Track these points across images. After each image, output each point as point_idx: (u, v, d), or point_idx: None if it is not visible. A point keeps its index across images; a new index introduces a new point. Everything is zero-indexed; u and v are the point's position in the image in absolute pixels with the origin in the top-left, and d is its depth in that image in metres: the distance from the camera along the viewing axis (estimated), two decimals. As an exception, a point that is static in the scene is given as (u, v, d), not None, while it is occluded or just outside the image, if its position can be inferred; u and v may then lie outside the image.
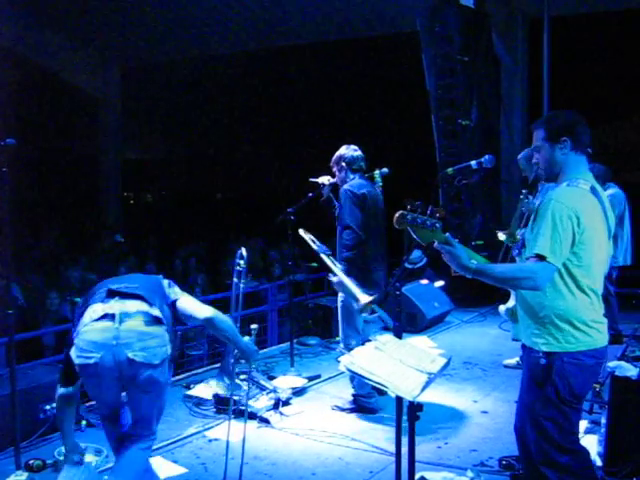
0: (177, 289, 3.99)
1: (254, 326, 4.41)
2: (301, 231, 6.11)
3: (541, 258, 3.07)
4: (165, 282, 3.97)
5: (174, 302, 3.87)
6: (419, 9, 10.56)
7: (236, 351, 4.18)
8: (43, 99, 15.21)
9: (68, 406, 3.87)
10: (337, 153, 5.82)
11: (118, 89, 18.41)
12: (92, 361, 3.50)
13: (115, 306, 3.63)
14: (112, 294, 3.71)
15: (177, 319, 3.89)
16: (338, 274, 5.47)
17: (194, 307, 3.91)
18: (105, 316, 3.59)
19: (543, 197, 5.93)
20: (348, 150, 5.78)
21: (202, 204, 21.80)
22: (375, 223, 5.72)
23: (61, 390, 3.82)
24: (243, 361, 4.12)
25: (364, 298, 5.19)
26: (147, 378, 3.57)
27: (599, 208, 3.24)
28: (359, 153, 5.80)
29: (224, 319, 3.95)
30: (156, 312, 3.66)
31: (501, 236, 5.95)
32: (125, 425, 3.81)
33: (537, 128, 3.37)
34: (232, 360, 5.40)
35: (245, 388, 5.58)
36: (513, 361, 6.91)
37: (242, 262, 5.48)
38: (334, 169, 5.86)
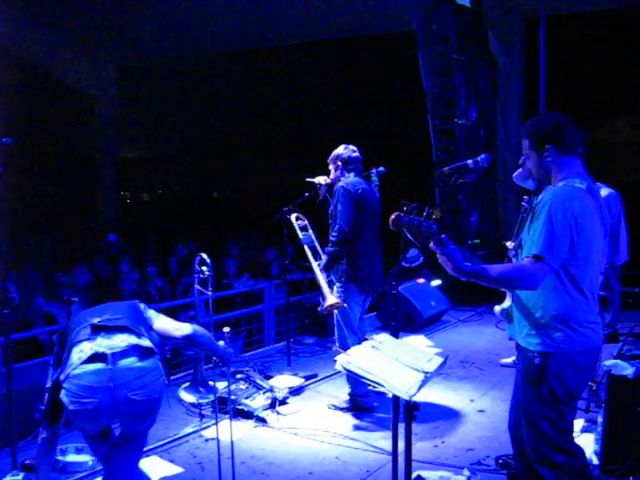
0: (152, 311, 3.89)
1: (226, 329, 4.40)
2: (293, 217, 6.13)
3: (537, 259, 3.07)
4: (141, 306, 3.86)
5: (150, 325, 3.77)
6: (415, 8, 10.56)
7: (213, 358, 4.14)
8: (39, 98, 15.17)
9: (51, 449, 3.74)
10: (335, 152, 5.81)
11: (114, 88, 18.37)
12: (90, 407, 3.37)
13: (103, 343, 3.46)
14: (97, 330, 3.53)
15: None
16: (314, 268, 5.48)
17: (171, 327, 3.82)
18: (95, 357, 3.41)
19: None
20: (346, 150, 5.77)
21: (198, 203, 21.77)
22: (371, 222, 5.72)
23: (46, 434, 3.65)
24: (221, 366, 4.09)
25: (331, 299, 5.23)
26: (148, 411, 3.51)
27: (595, 207, 3.24)
28: (357, 154, 5.78)
29: (202, 332, 3.90)
30: (146, 343, 3.54)
31: (510, 245, 5.96)
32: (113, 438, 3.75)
33: (523, 137, 3.39)
34: (203, 368, 5.34)
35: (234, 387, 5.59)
36: (510, 360, 6.92)
37: (205, 269, 5.39)
38: (330, 167, 5.86)
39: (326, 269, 5.50)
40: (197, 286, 5.58)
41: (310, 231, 5.94)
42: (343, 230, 5.49)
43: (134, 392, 3.38)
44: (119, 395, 3.37)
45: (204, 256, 5.40)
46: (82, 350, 3.46)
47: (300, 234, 5.90)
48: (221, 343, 4.10)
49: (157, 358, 3.55)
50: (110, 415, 3.48)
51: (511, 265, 3.40)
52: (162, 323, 3.82)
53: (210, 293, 5.33)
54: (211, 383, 5.27)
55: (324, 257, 5.62)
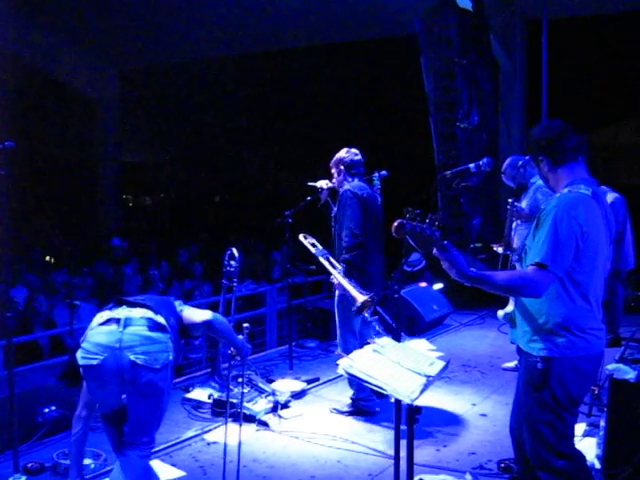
0: (186, 306, 4.08)
1: (246, 325, 4.44)
2: (301, 237, 6.09)
3: (541, 267, 3.06)
4: (176, 303, 4.06)
5: (181, 317, 3.95)
6: (417, 12, 10.57)
7: (231, 349, 4.24)
8: (41, 102, 15.21)
9: (82, 442, 4.00)
10: (337, 155, 5.78)
11: (116, 92, 18.40)
12: (95, 362, 3.59)
13: (122, 312, 3.74)
14: (120, 302, 3.83)
15: (186, 333, 3.97)
16: (336, 276, 5.47)
17: (194, 313, 4.01)
18: (110, 320, 3.70)
19: (533, 198, 5.96)
20: (348, 154, 5.74)
21: (200, 207, 21.79)
22: (374, 226, 5.72)
23: (85, 412, 3.93)
24: (237, 359, 4.20)
25: (361, 297, 5.21)
26: (147, 382, 3.61)
27: (600, 214, 3.23)
28: (359, 158, 5.76)
29: (222, 321, 4.09)
30: (160, 319, 3.74)
31: (498, 249, 5.96)
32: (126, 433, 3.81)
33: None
34: (225, 362, 5.41)
35: (235, 390, 5.60)
36: (512, 364, 6.91)
37: (233, 262, 5.51)
38: (332, 170, 5.84)
39: (347, 276, 5.46)
40: (226, 280, 5.77)
41: (319, 246, 5.93)
42: (355, 234, 5.46)
43: (136, 355, 3.56)
44: (123, 356, 3.57)
45: (234, 251, 5.60)
46: (102, 316, 3.77)
47: (312, 249, 5.88)
48: (240, 337, 4.22)
49: (167, 336, 3.72)
50: (113, 376, 3.61)
51: (515, 273, 3.40)
52: (189, 312, 4.01)
53: (236, 285, 5.46)
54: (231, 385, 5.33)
55: (338, 266, 5.57)
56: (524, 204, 6.08)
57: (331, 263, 5.62)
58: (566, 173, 3.27)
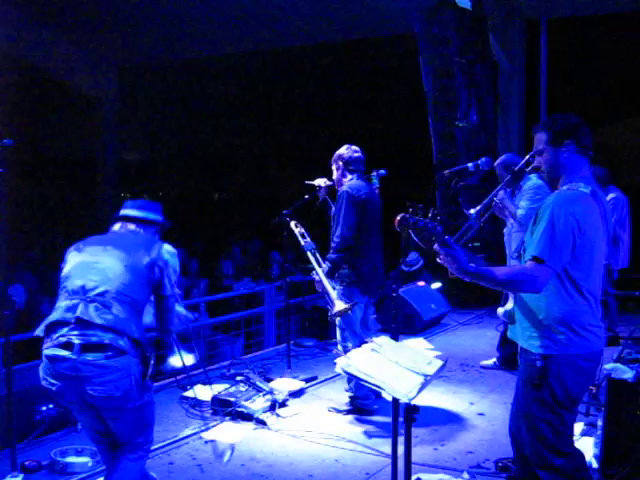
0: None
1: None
2: (292, 224, 6.10)
3: (539, 261, 3.07)
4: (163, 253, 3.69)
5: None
6: (417, 11, 10.56)
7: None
8: (39, 99, 15.19)
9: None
10: (337, 152, 5.76)
11: (115, 90, 18.38)
12: (54, 388, 3.45)
13: (78, 338, 3.38)
14: (80, 323, 3.41)
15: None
16: (319, 274, 5.47)
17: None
18: (66, 345, 3.39)
19: (522, 196, 5.93)
20: (348, 151, 5.72)
21: (199, 205, 21.78)
22: (374, 225, 5.72)
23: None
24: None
25: (339, 305, 5.22)
26: (110, 408, 3.47)
27: (599, 212, 3.24)
28: (359, 155, 5.73)
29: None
30: (121, 342, 3.42)
31: (473, 211, 5.95)
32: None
33: (539, 131, 3.36)
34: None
35: (233, 389, 5.62)
36: (490, 362, 6.94)
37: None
38: (333, 167, 5.82)
39: (329, 276, 5.46)
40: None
41: (308, 238, 5.92)
42: (344, 236, 5.42)
43: (92, 387, 3.37)
44: (79, 385, 3.38)
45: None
46: (56, 331, 3.45)
47: (302, 241, 5.89)
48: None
49: (130, 357, 3.44)
50: (76, 400, 3.47)
51: (514, 268, 3.40)
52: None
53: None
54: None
55: (325, 264, 5.57)
56: (521, 202, 6.03)
57: (317, 259, 5.63)
58: (578, 164, 3.28)
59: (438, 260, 3.15)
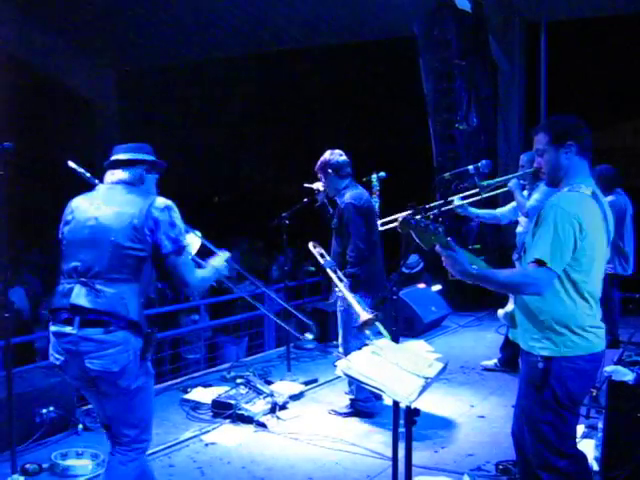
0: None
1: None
2: (310, 245, 6.04)
3: (541, 263, 3.06)
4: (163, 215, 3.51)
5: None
6: (416, 14, 10.58)
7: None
8: (37, 102, 15.18)
9: None
10: (321, 159, 5.68)
11: (113, 92, 18.39)
12: (58, 363, 3.50)
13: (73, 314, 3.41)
14: (75, 310, 3.41)
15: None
16: (342, 290, 5.42)
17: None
18: (67, 320, 3.42)
19: (537, 191, 5.94)
20: (333, 155, 5.63)
21: (199, 207, 21.77)
22: (374, 228, 5.74)
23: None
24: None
25: (365, 315, 5.18)
26: (106, 383, 3.44)
27: (600, 214, 3.24)
28: (344, 158, 5.65)
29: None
30: (119, 321, 3.40)
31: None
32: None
33: (540, 132, 3.35)
34: None
35: (234, 392, 5.62)
36: (491, 362, 6.94)
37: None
38: (319, 175, 5.74)
39: (352, 290, 5.43)
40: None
41: (327, 257, 5.88)
42: (360, 249, 5.42)
43: (90, 361, 3.37)
44: (78, 358, 3.39)
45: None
46: (58, 315, 3.47)
47: (321, 260, 5.85)
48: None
49: (129, 333, 3.41)
50: (79, 376, 3.48)
51: (517, 270, 3.39)
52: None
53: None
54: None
55: (344, 280, 5.53)
56: (534, 196, 6.02)
57: (338, 276, 5.58)
58: (580, 166, 3.28)
59: (444, 262, 3.15)
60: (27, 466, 4.49)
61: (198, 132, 19.92)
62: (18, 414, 4.53)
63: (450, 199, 5.94)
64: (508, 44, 11.99)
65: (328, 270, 5.66)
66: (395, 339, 3.55)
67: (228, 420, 5.47)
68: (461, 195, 6.20)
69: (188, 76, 18.21)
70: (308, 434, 5.28)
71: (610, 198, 7.00)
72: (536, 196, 5.96)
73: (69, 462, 4.58)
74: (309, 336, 5.92)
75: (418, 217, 3.10)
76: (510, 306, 3.50)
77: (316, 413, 5.79)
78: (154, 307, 7.55)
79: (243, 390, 5.80)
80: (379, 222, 6.53)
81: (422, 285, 9.39)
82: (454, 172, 5.87)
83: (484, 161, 6.01)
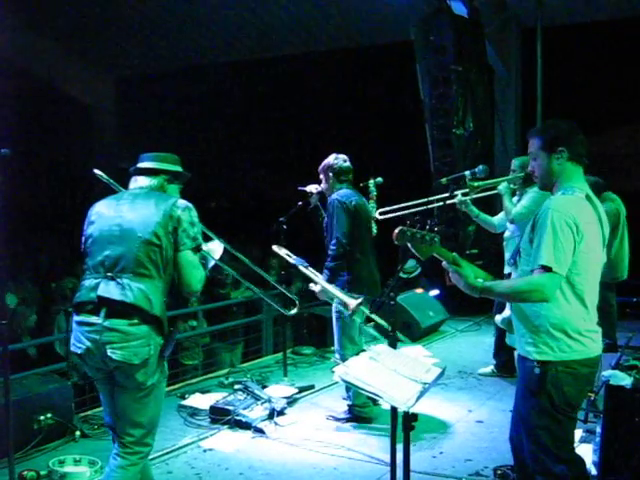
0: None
1: None
2: (274, 247, 6.10)
3: (546, 269, 3.06)
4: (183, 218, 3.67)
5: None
6: (413, 19, 10.60)
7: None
8: (36, 108, 15.19)
9: None
10: (325, 161, 5.74)
11: (112, 98, 18.41)
12: (79, 351, 3.53)
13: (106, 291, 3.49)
14: (102, 301, 3.50)
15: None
16: (320, 282, 5.46)
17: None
18: (93, 310, 3.49)
19: (524, 197, 5.98)
20: (337, 160, 5.68)
21: (197, 213, 21.78)
22: (367, 232, 5.74)
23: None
24: None
25: (352, 302, 5.21)
26: (123, 375, 3.49)
27: (595, 216, 3.25)
28: (348, 164, 5.70)
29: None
30: (144, 315, 3.48)
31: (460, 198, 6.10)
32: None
33: (533, 137, 3.36)
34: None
35: (232, 397, 5.63)
36: (488, 369, 6.94)
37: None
38: (321, 176, 5.80)
39: (329, 283, 5.46)
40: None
41: (294, 256, 5.93)
42: (340, 243, 5.44)
43: (113, 350, 3.42)
44: (102, 350, 3.45)
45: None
46: (83, 309, 3.54)
47: (290, 259, 5.88)
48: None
49: (152, 328, 3.49)
50: (99, 366, 3.54)
51: (521, 279, 3.37)
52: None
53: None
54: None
55: (319, 274, 5.57)
56: (521, 202, 6.05)
57: (311, 271, 5.63)
58: (573, 171, 3.28)
59: (451, 278, 3.16)
60: (25, 473, 4.48)
61: (196, 138, 19.93)
62: (16, 421, 4.52)
63: (455, 193, 5.98)
64: (504, 49, 12.02)
65: (300, 267, 5.69)
66: (393, 344, 3.55)
67: (226, 426, 5.47)
68: (462, 191, 6.25)
69: (187, 82, 18.22)
70: (306, 440, 5.27)
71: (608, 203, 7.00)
72: (523, 202, 5.98)
73: (67, 469, 4.56)
74: (293, 310, 6.15)
75: (414, 229, 3.10)
76: (508, 311, 3.51)
77: (314, 419, 5.78)
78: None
79: (241, 396, 5.80)
80: (377, 212, 6.55)
81: (420, 290, 9.39)
82: (451, 177, 5.87)
83: (481, 166, 6.02)
